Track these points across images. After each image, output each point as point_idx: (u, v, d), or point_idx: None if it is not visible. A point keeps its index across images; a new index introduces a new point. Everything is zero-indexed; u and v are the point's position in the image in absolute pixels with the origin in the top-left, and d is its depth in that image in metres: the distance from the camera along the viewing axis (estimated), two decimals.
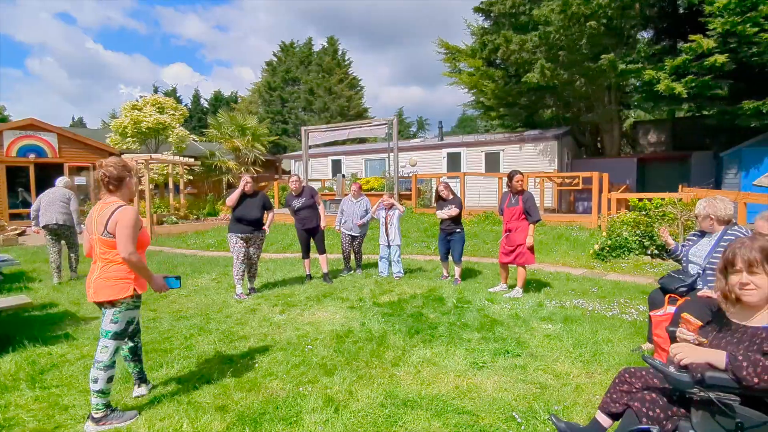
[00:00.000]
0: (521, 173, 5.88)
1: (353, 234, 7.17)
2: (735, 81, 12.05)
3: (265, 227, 6.15)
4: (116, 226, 2.78)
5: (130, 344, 3.22)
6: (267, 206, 6.11)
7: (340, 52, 38.18)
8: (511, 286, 6.13)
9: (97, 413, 2.83)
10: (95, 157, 16.54)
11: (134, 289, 2.89)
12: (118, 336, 2.89)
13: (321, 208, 6.85)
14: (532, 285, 6.41)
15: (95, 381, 2.83)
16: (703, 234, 3.73)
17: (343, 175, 16.52)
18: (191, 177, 17.02)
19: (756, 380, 1.69)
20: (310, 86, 36.15)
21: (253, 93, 40.98)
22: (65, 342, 4.37)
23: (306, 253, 6.93)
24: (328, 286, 6.50)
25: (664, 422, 1.94)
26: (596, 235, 9.84)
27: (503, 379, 3.42)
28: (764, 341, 1.80)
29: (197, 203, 15.89)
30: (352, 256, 7.44)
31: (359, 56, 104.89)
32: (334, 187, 17.32)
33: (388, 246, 7.04)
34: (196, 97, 45.50)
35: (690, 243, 3.80)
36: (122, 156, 13.08)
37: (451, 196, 6.62)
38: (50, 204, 6.95)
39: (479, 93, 19.44)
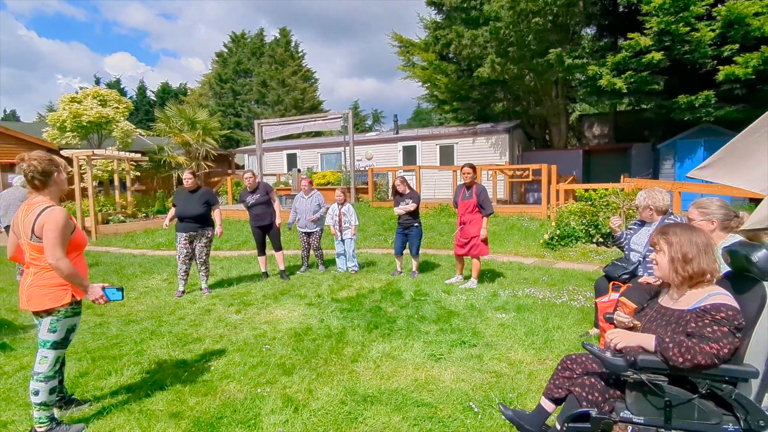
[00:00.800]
0: (471, 166, 5.98)
1: (308, 231, 7.10)
2: (670, 77, 12.81)
3: (218, 228, 5.97)
4: (42, 230, 2.56)
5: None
6: (211, 202, 5.89)
7: (293, 44, 37.49)
8: (467, 277, 6.29)
9: (40, 427, 2.69)
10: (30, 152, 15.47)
11: (72, 296, 2.71)
12: (58, 345, 2.73)
13: (276, 204, 6.75)
14: (487, 275, 6.59)
15: (36, 393, 2.68)
16: (643, 223, 3.97)
17: (299, 170, 16.31)
18: (138, 173, 16.27)
19: (681, 360, 1.83)
20: (262, 78, 35.31)
21: (203, 85, 39.56)
22: (1, 353, 4.10)
23: (261, 250, 6.82)
24: (286, 284, 6.42)
25: (602, 405, 2.05)
26: (546, 225, 10.24)
27: (460, 370, 3.52)
28: (688, 323, 1.93)
29: (146, 200, 15.20)
30: (312, 253, 7.38)
31: (313, 48, 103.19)
32: (290, 181, 17.07)
33: (342, 241, 7.06)
34: (142, 89, 43.35)
35: (631, 232, 4.03)
36: (61, 151, 12.29)
37: (408, 191, 6.66)
38: (10, 206, 6.60)
39: (433, 87, 19.66)
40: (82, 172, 11.97)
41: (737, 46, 11.53)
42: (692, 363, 1.82)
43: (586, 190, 9.85)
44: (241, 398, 3.14)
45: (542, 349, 3.87)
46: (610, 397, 2.07)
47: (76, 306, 2.79)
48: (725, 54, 11.63)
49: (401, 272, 6.83)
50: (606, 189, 9.71)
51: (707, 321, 1.87)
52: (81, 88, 16.29)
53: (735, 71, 11.40)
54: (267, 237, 6.81)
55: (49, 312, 2.69)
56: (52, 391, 2.73)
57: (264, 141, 16.56)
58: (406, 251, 6.83)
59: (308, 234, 7.14)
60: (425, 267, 7.33)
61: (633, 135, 18.26)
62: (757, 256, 1.92)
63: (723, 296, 1.91)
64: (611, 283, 3.88)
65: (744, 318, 1.86)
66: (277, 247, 6.85)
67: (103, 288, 2.79)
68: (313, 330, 4.51)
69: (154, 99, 41.95)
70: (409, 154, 17.85)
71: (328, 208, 7.21)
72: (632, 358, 1.92)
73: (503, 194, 15.40)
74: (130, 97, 40.06)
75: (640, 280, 3.60)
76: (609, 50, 14.07)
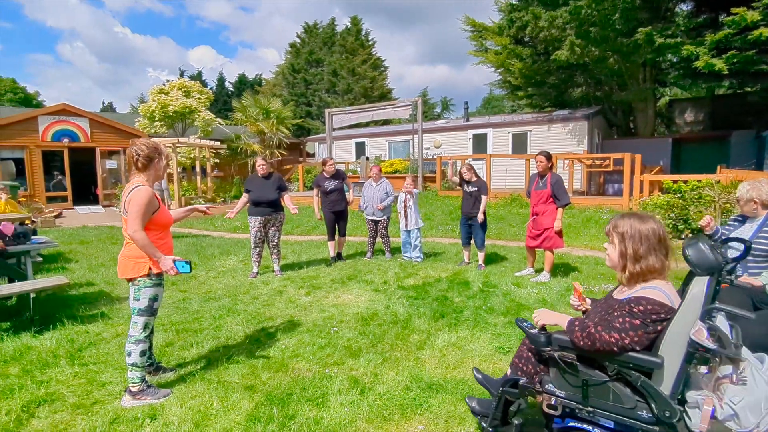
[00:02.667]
0: (544, 154, 5.69)
1: (375, 218, 7.15)
2: None
3: (292, 209, 6.18)
4: (128, 205, 2.82)
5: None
6: (282, 188, 6.13)
7: (363, 32, 37.74)
8: (538, 270, 6.03)
9: (134, 386, 2.94)
10: (125, 141, 16.94)
11: (149, 268, 2.92)
12: (143, 312, 2.97)
13: (351, 192, 7.16)
14: (560, 269, 6.29)
15: (129, 354, 2.96)
16: (744, 219, 3.55)
17: (367, 158, 16.48)
18: (217, 160, 17.29)
19: (581, 343, 1.94)
20: (333, 68, 35.96)
21: (276, 75, 41.08)
22: (101, 321, 4.53)
23: (332, 235, 7.02)
24: (353, 269, 6.53)
25: (534, 376, 2.20)
26: None
27: None
28: (615, 311, 1.96)
29: (224, 186, 16.16)
30: (379, 240, 7.44)
31: (383, 36, 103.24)
32: (358, 169, 17.31)
33: (408, 232, 7.04)
34: (221, 81, 45.89)
35: (731, 228, 3.62)
36: (151, 139, 13.35)
37: (474, 178, 6.50)
38: None
39: (506, 72, 18.95)
40: (168, 159, 12.92)
41: None
42: (591, 348, 1.92)
43: (675, 182, 9.05)
44: (310, 377, 3.23)
45: None
46: (540, 371, 2.19)
47: (156, 278, 2.98)
48: None
49: (469, 263, 6.70)
50: (698, 180, 8.87)
51: (624, 312, 1.91)
52: (167, 81, 17.57)
53: None
54: (337, 223, 6.99)
55: (131, 281, 2.95)
56: (142, 354, 2.98)
57: (334, 129, 16.91)
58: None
59: (375, 222, 7.19)
60: (494, 258, 7.13)
61: (733, 121, 16.47)
62: (689, 250, 1.91)
63: (652, 291, 1.91)
64: None
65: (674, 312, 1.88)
66: (343, 233, 7.15)
67: (174, 260, 2.95)
68: (380, 316, 4.54)
69: (232, 90, 44.26)
70: (480, 143, 17.40)
71: (396, 197, 7.22)
72: (548, 336, 2.07)
73: (580, 185, 14.59)
74: (210, 88, 42.66)
75: (739, 279, 3.23)
76: (708, 27, 12.71)
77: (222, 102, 41.19)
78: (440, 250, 7.87)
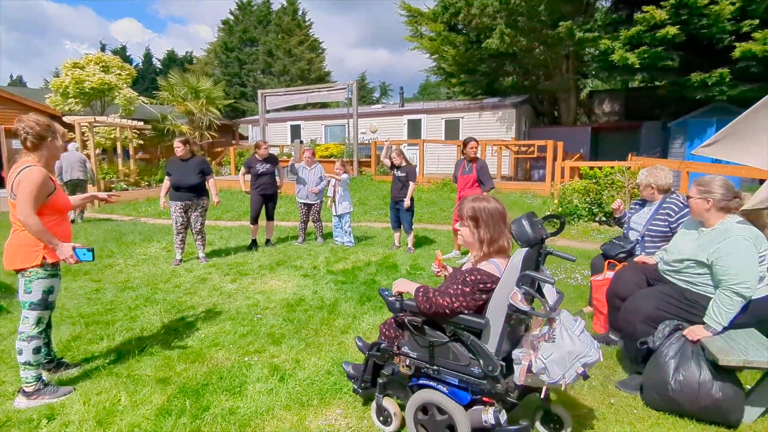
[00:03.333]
0: (476, 140, 5.91)
1: (309, 202, 7.06)
2: (685, 53, 12.40)
3: (214, 197, 5.94)
4: (17, 187, 2.56)
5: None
6: (206, 171, 5.85)
7: (300, 12, 36.66)
8: (464, 252, 6.25)
9: (28, 387, 2.73)
10: None
11: (44, 258, 2.68)
12: (35, 306, 2.73)
13: (281, 178, 7.08)
14: None
15: (20, 352, 2.72)
16: (644, 202, 3.88)
17: (302, 141, 16.18)
18: (142, 142, 16.19)
19: (422, 307, 2.15)
20: (269, 47, 34.71)
21: (209, 53, 38.97)
22: None
23: (255, 219, 6.88)
24: (282, 255, 6.43)
25: (394, 340, 2.42)
26: (548, 203, 10.13)
27: None
28: (455, 279, 2.18)
29: (149, 169, 15.19)
30: (311, 225, 7.37)
31: (322, 17, 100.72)
32: (293, 153, 16.96)
33: (338, 216, 7.03)
34: (148, 57, 42.91)
35: (632, 211, 3.95)
36: (63, 118, 12.24)
37: (403, 164, 6.60)
38: (72, 165, 9.12)
39: (440, 59, 19.22)
40: (84, 139, 11.92)
41: (757, 21, 11.12)
42: (430, 311, 2.13)
43: (591, 168, 9.69)
44: (229, 366, 3.16)
45: None
46: (400, 335, 2.42)
47: (51, 268, 2.74)
48: (744, 29, 11.23)
49: (399, 246, 6.81)
50: (611, 167, 9.55)
51: (459, 280, 2.14)
52: (85, 54, 16.09)
53: (752, 48, 11.02)
54: (265, 207, 6.89)
55: (21, 271, 2.69)
56: (36, 351, 2.74)
57: (268, 111, 16.40)
58: None
59: (308, 206, 7.10)
60: (424, 242, 7.30)
61: (644, 113, 17.85)
62: (513, 225, 2.14)
63: (487, 264, 2.14)
64: (607, 262, 3.82)
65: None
66: (271, 217, 7.07)
67: (74, 248, 2.73)
68: (306, 301, 4.51)
69: (160, 67, 41.49)
70: (414, 128, 17.61)
71: (329, 181, 7.17)
72: (401, 302, 2.27)
73: (508, 170, 15.23)
74: (136, 65, 39.68)
75: (636, 258, 3.54)
76: (623, 24, 13.60)
77: (149, 80, 38.53)
78: (372, 234, 7.93)
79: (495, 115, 16.19)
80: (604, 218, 8.55)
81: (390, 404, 2.42)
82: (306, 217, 7.20)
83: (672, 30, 11.29)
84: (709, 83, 11.92)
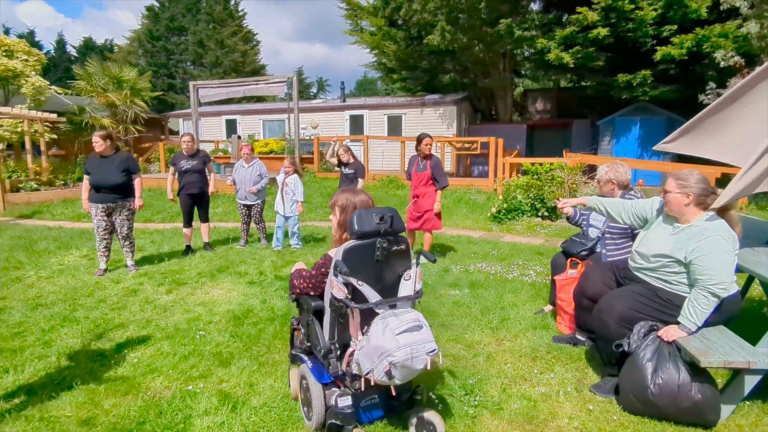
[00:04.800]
0: (431, 137, 5.73)
1: (248, 203, 6.56)
2: (612, 55, 13.09)
3: (137, 200, 5.30)
4: None
5: None
6: (132, 169, 5.21)
7: (232, 2, 34.97)
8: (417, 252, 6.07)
9: None
10: None
11: None
12: None
13: (212, 176, 6.34)
14: (437, 249, 6.43)
15: None
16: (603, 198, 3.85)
17: (239, 137, 15.34)
18: (55, 136, 14.56)
19: (290, 289, 2.51)
20: (199, 38, 32.82)
21: (132, 42, 36.14)
22: None
23: (188, 221, 6.23)
24: (224, 260, 5.91)
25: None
26: (493, 199, 10.26)
27: None
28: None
29: (65, 166, 13.66)
30: (253, 227, 6.86)
31: (256, 7, 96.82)
32: (229, 149, 16.06)
33: (285, 217, 6.44)
34: (61, 43, 38.94)
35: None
36: None
37: (351, 160, 6.36)
38: None
39: (381, 54, 19.06)
40: None
41: (675, 27, 11.92)
42: (292, 292, 2.51)
43: (533, 164, 9.92)
44: (169, 397, 2.72)
45: (499, 329, 3.73)
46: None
47: None
48: (664, 34, 12.00)
49: None
50: (551, 164, 9.83)
51: (314, 264, 2.40)
52: None
53: (671, 52, 11.80)
54: (195, 208, 6.26)
55: None
56: None
57: (201, 105, 15.36)
58: None
59: (248, 206, 6.60)
60: None
61: (574, 111, 18.75)
62: (353, 218, 2.22)
63: (334, 251, 2.26)
64: (569, 260, 3.77)
65: None
66: (205, 219, 6.40)
67: None
68: (255, 312, 4.11)
69: (76, 55, 37.86)
70: (357, 124, 17.31)
71: (272, 179, 6.69)
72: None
73: (450, 167, 15.35)
74: (47, 52, 35.93)
75: (559, 204, 3.53)
76: (556, 24, 14.13)
77: (63, 69, 34.98)
78: (320, 234, 7.57)
79: (436, 111, 16.27)
80: (546, 213, 8.76)
81: (293, 375, 2.66)
82: (247, 219, 6.69)
83: (603, 31, 11.85)
84: (634, 84, 12.65)
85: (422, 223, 5.71)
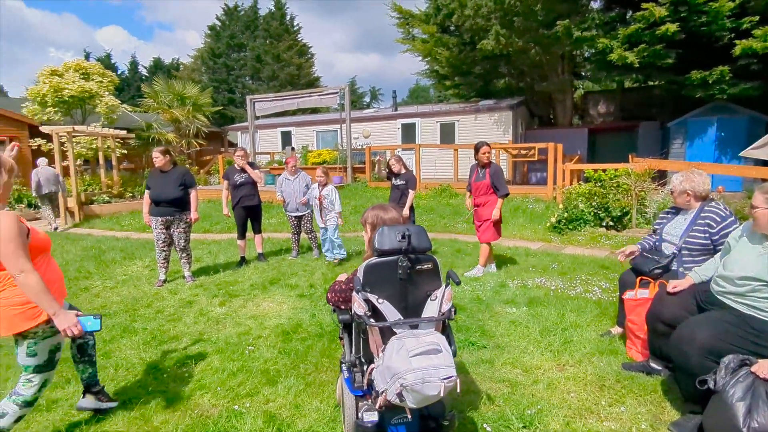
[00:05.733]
0: (488, 145, 5.52)
1: (298, 214, 6.59)
2: (683, 51, 12.13)
3: (192, 213, 5.43)
4: None
5: (78, 340, 2.62)
6: (188, 183, 5.36)
7: (288, 17, 36.23)
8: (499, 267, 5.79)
9: None
10: (11, 129, 14.82)
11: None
12: (43, 369, 2.30)
13: (258, 172, 6.45)
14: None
15: (2, 416, 2.25)
16: (678, 210, 3.47)
17: (293, 148, 15.70)
18: (125, 151, 15.61)
19: (329, 300, 2.40)
20: (257, 53, 34.22)
21: (195, 60, 38.34)
22: None
23: (242, 233, 6.40)
24: (276, 272, 5.96)
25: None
26: (552, 208, 9.76)
27: (469, 378, 3.08)
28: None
29: (134, 179, 14.60)
30: (304, 237, 6.90)
31: (312, 21, 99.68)
32: (284, 160, 16.47)
33: (325, 228, 6.32)
34: (134, 65, 42.05)
35: (664, 221, 3.54)
36: (41, 127, 11.66)
37: (402, 171, 6.21)
38: (49, 179, 10.05)
39: (433, 61, 18.86)
40: (63, 149, 11.35)
41: (757, 18, 10.86)
42: (328, 302, 2.43)
43: (596, 171, 9.33)
44: (215, 416, 2.69)
45: (561, 353, 3.43)
46: None
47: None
48: (744, 26, 10.96)
49: None
50: (616, 170, 9.20)
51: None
52: (64, 62, 15.48)
53: (753, 45, 10.74)
54: (249, 220, 6.41)
55: (23, 335, 2.21)
56: (17, 420, 2.31)
57: (257, 118, 15.91)
58: None
59: (298, 217, 6.64)
60: None
61: (640, 113, 17.62)
62: (376, 235, 2.18)
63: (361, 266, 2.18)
64: (638, 279, 3.41)
65: None
66: (258, 231, 6.56)
67: (78, 316, 2.24)
68: (304, 327, 4.05)
69: (146, 75, 40.72)
70: (408, 132, 17.21)
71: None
72: None
73: (506, 174, 14.87)
74: (122, 73, 38.91)
75: (669, 288, 3.05)
76: (619, 22, 13.33)
77: (135, 88, 37.70)
78: None
79: (491, 117, 15.84)
80: (611, 223, 8.18)
81: (339, 381, 2.62)
82: (297, 229, 6.73)
83: (671, 27, 11.01)
84: (709, 81, 11.63)
85: (481, 233, 5.50)
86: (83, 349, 2.68)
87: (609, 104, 19.37)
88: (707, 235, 3.17)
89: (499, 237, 5.61)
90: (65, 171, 11.20)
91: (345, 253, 6.50)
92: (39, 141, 14.55)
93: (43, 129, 11.29)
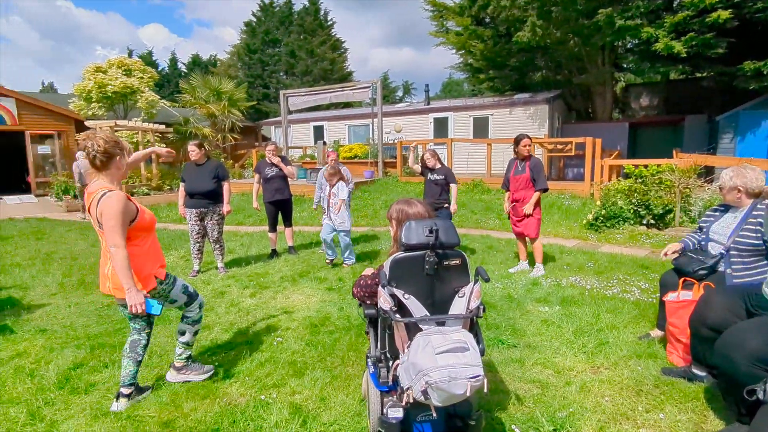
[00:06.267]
0: (529, 137, 5.33)
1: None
2: (736, 39, 11.45)
3: (225, 205, 5.53)
4: (101, 218, 2.46)
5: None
6: (221, 176, 5.46)
7: (322, 12, 36.43)
8: (532, 264, 5.62)
9: (179, 363, 2.99)
10: (60, 124, 15.53)
11: (155, 277, 2.67)
12: (190, 302, 2.95)
13: (291, 168, 6.48)
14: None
15: (182, 333, 2.99)
16: (727, 208, 3.26)
17: (324, 142, 15.81)
18: (164, 145, 16.11)
19: (354, 295, 2.41)
20: (291, 48, 34.59)
21: (232, 56, 39.14)
22: (0, 337, 3.82)
23: (273, 227, 6.48)
24: (307, 264, 6.01)
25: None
26: (589, 204, 9.44)
27: (498, 378, 3.00)
28: None
29: (172, 173, 15.07)
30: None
31: (346, 16, 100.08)
32: (315, 154, 16.61)
33: (334, 229, 5.90)
34: (174, 61, 43.33)
35: (711, 218, 3.33)
36: (86, 122, 12.18)
37: (438, 165, 6.05)
38: (88, 169, 10.09)
39: (467, 54, 18.57)
40: (130, 153, 11.82)
41: None
42: (353, 296, 2.42)
43: (636, 166, 8.96)
44: (243, 405, 2.71)
45: (595, 354, 3.29)
46: None
47: (167, 279, 2.76)
48: None
49: None
50: (658, 165, 8.81)
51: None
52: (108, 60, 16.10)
53: None
54: (279, 213, 6.48)
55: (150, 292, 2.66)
56: (195, 333, 3.05)
57: (290, 112, 16.11)
58: None
59: None
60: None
61: (686, 106, 16.80)
62: (402, 230, 2.15)
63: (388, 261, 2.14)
64: (682, 280, 3.23)
65: None
66: (288, 224, 6.62)
67: (146, 298, 2.56)
68: (331, 320, 4.06)
69: (185, 71, 41.89)
70: (441, 127, 17.03)
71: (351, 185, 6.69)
72: None
73: None
74: (162, 69, 40.16)
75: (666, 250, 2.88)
76: (665, 10, 12.70)
77: (174, 84, 38.87)
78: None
79: (526, 111, 15.46)
80: (652, 221, 7.83)
81: (365, 376, 2.60)
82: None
83: (723, 14, 10.40)
84: (765, 72, 10.95)
85: (523, 227, 5.36)
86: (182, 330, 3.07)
87: (652, 97, 18.56)
88: (759, 235, 2.96)
89: (536, 234, 5.44)
90: None
91: (354, 258, 6.05)
92: (84, 135, 15.21)
93: (88, 123, 11.81)
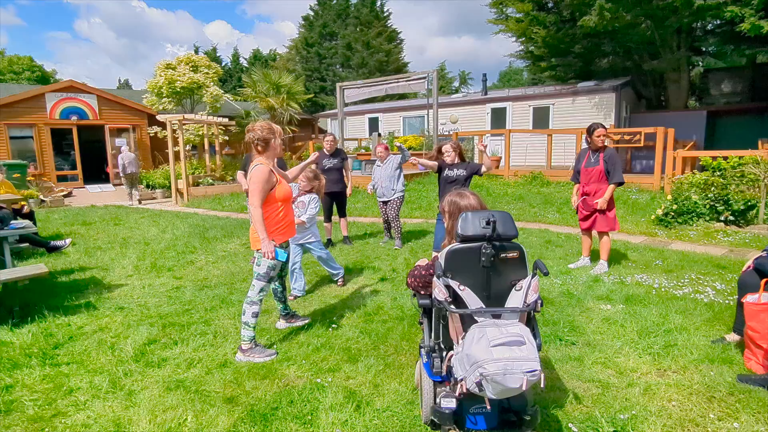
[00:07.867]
0: (604, 127, 5.04)
1: (385, 199, 6.64)
2: None
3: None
4: (250, 182, 3.11)
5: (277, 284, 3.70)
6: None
7: (378, 4, 36.46)
8: (594, 260, 5.39)
9: (244, 344, 3.23)
10: (135, 118, 16.66)
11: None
12: (261, 277, 3.23)
13: (350, 176, 6.79)
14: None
15: (243, 313, 3.27)
16: None
17: (379, 134, 15.88)
18: (227, 137, 16.88)
19: (408, 285, 2.44)
20: (347, 41, 34.93)
21: (290, 50, 40.16)
22: (85, 312, 4.20)
23: (328, 217, 6.72)
24: (361, 254, 6.11)
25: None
26: (658, 198, 8.87)
27: (555, 375, 2.91)
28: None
29: (234, 164, 15.77)
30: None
31: (403, 5, 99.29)
32: (371, 146, 16.74)
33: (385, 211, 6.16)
34: (236, 56, 45.13)
35: None
36: (158, 116, 12.98)
37: (457, 160, 5.09)
38: (131, 161, 12.39)
39: (528, 41, 17.91)
40: (175, 136, 12.56)
41: None
42: (408, 286, 2.45)
43: (714, 158, 8.29)
44: (300, 387, 2.82)
45: (662, 357, 3.11)
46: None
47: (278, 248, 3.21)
48: None
49: None
50: (740, 157, 8.10)
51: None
52: (177, 57, 17.06)
53: None
54: (335, 204, 6.69)
55: (257, 250, 3.20)
56: (254, 315, 3.25)
57: (346, 105, 16.30)
58: None
59: (385, 202, 6.69)
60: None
61: None
62: (458, 221, 2.16)
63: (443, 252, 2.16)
64: (764, 281, 2.97)
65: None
66: (343, 214, 6.82)
67: (275, 247, 3.17)
68: (385, 309, 4.10)
69: (247, 66, 43.48)
70: (498, 117, 16.59)
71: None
72: None
73: None
74: (225, 65, 41.95)
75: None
76: None
77: (237, 78, 40.52)
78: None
79: (591, 100, 14.71)
80: (731, 218, 7.23)
81: (418, 366, 2.63)
82: (385, 215, 6.80)
83: None
84: None
85: (592, 222, 5.12)
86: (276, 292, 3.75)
87: (735, 83, 17.03)
88: None
89: (617, 227, 5.18)
90: (176, 156, 12.39)
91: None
92: (156, 129, 16.26)
93: (159, 117, 12.58)
